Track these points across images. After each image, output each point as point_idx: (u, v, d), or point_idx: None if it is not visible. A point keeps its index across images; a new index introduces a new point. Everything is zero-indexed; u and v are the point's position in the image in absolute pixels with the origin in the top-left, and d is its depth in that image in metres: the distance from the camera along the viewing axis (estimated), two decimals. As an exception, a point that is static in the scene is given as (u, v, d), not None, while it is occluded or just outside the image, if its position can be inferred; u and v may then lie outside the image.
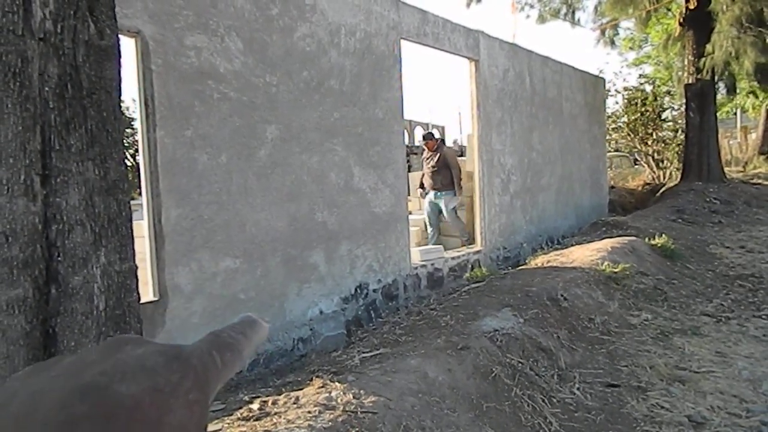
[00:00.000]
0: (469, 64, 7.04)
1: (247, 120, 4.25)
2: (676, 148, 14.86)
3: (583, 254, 6.01)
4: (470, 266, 6.79)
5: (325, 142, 4.89)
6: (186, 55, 3.85)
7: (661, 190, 12.85)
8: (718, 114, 13.70)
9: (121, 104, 1.83)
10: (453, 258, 6.66)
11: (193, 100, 3.89)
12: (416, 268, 6.04)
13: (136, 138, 4.52)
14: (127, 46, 3.53)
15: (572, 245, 7.25)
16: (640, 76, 17.43)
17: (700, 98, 12.30)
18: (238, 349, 0.36)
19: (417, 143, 22.01)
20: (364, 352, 3.47)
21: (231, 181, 4.13)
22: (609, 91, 14.46)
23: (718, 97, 13.59)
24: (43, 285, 1.50)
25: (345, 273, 5.09)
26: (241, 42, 4.20)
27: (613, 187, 13.70)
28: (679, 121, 14.96)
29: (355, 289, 5.21)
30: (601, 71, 16.33)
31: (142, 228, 3.60)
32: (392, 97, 5.65)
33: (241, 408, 2.66)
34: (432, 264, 6.30)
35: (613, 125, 15.55)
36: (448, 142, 25.65)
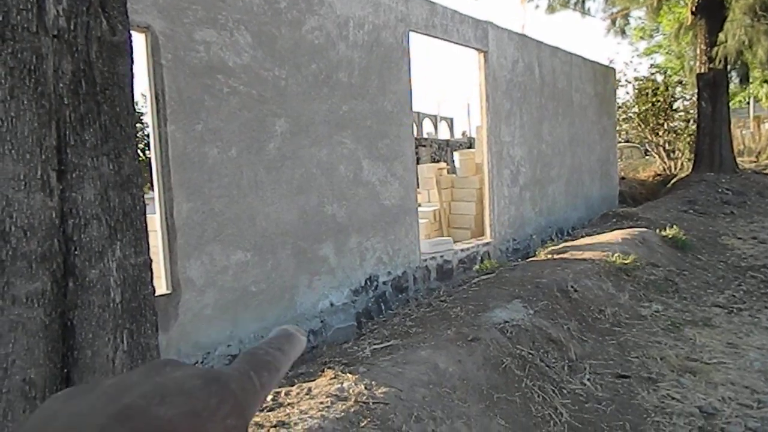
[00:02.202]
0: (478, 56, 7.01)
1: (257, 114, 4.26)
2: (688, 139, 14.71)
3: (593, 245, 5.99)
4: (480, 258, 6.79)
5: (334, 135, 4.90)
6: (195, 49, 3.86)
7: (672, 181, 12.75)
8: (730, 104, 13.55)
9: (134, 99, 1.84)
10: (462, 250, 6.67)
11: (203, 95, 3.91)
12: (426, 260, 6.05)
13: (147, 132, 4.55)
14: (137, 42, 3.56)
15: (582, 236, 7.23)
16: (652, 65, 17.19)
17: (713, 88, 12.16)
18: (276, 367, 0.35)
19: (425, 135, 22.00)
20: (374, 344, 3.50)
21: (241, 174, 4.15)
22: (619, 81, 14.32)
23: (731, 86, 13.43)
24: (60, 278, 1.53)
25: (355, 265, 5.12)
26: (249, 36, 4.21)
27: (623, 178, 13.61)
28: (691, 111, 14.80)
29: (365, 282, 5.23)
30: (611, 61, 16.19)
31: (154, 222, 3.64)
32: (401, 90, 5.64)
33: (253, 399, 2.69)
34: (441, 256, 6.31)
35: (624, 116, 15.42)
36: (457, 134, 25.58)
